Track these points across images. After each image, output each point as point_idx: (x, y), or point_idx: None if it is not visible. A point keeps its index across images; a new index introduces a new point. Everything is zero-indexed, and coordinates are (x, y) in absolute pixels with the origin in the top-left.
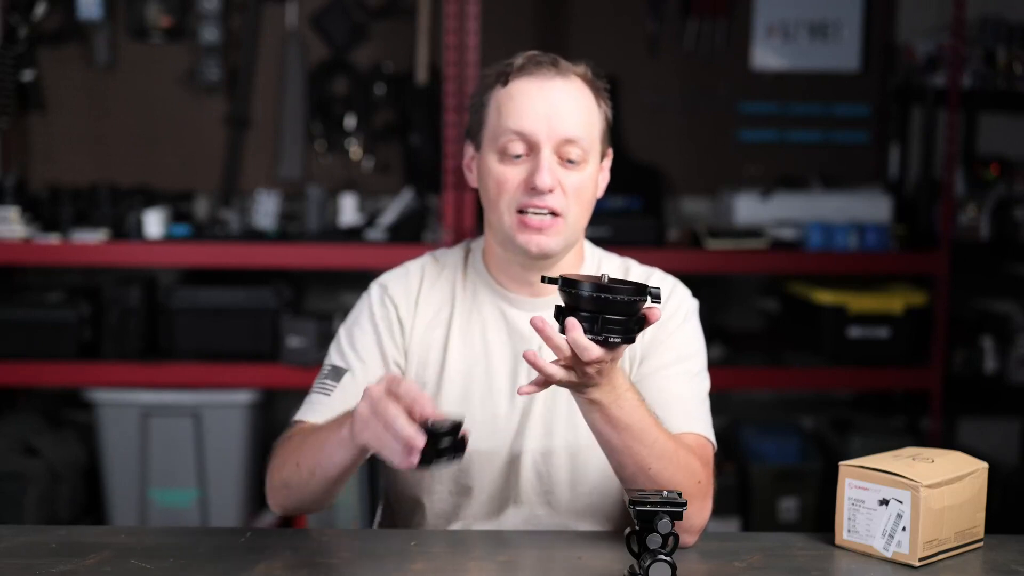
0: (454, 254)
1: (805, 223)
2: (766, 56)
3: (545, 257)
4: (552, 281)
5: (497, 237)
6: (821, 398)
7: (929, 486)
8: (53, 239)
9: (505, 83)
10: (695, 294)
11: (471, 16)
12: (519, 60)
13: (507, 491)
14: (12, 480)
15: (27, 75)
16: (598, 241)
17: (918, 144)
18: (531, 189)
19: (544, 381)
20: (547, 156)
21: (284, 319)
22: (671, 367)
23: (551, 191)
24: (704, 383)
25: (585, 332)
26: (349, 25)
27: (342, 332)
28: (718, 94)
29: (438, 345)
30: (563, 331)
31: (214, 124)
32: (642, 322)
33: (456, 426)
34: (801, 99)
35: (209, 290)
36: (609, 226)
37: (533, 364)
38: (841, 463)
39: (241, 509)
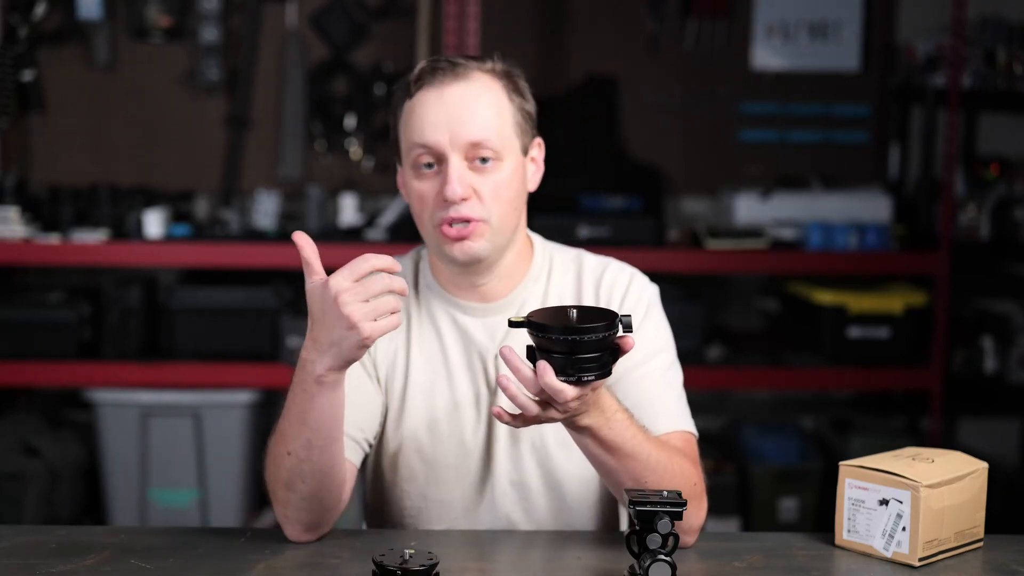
0: (405, 263)
1: (805, 223)
2: (766, 56)
3: (476, 261)
4: (520, 325)
5: (432, 250)
6: (821, 398)
7: (929, 486)
8: (53, 239)
9: (410, 96)
10: (695, 294)
11: (471, 16)
12: (416, 71)
13: (483, 503)
14: (12, 480)
15: (27, 75)
16: (599, 241)
17: (918, 144)
18: (445, 201)
19: (524, 417)
20: (455, 165)
21: (284, 319)
22: (643, 365)
23: (465, 200)
24: (678, 374)
25: (557, 374)
26: (349, 25)
27: None
28: (718, 94)
29: (402, 356)
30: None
31: (214, 124)
32: (616, 353)
33: (431, 567)
34: (801, 99)
35: (209, 290)
36: (609, 226)
37: (505, 390)
38: (841, 463)
39: (241, 509)
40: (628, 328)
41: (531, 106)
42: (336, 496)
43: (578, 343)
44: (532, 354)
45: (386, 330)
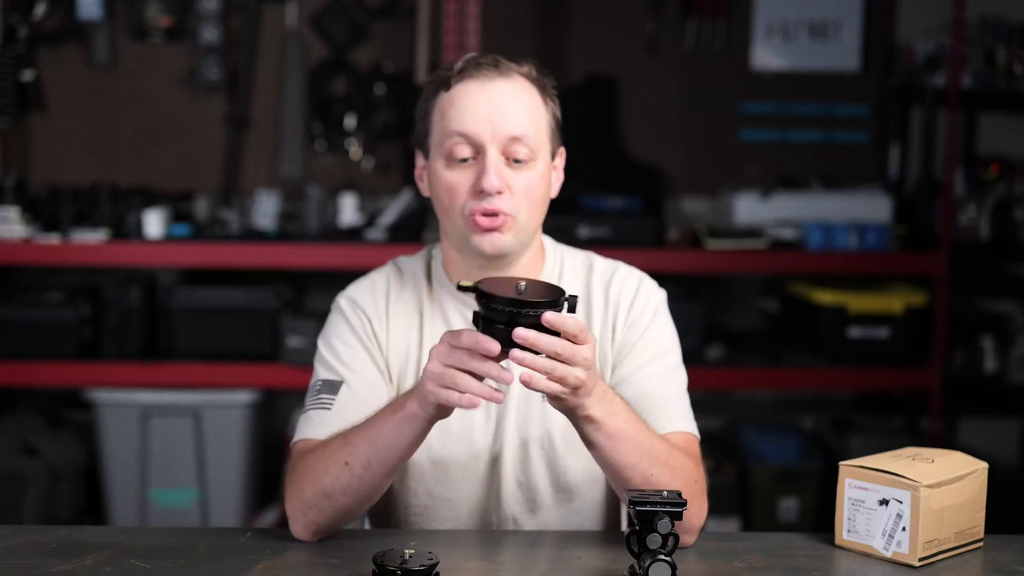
0: (416, 262)
1: (805, 223)
2: (766, 56)
3: (501, 256)
4: (468, 289)
5: (453, 242)
6: (821, 398)
7: (929, 486)
8: (53, 239)
9: (448, 88)
10: (695, 294)
11: (471, 16)
12: (459, 64)
13: (490, 503)
14: (12, 480)
15: (27, 75)
16: (599, 242)
17: (918, 144)
18: (479, 192)
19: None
20: (493, 157)
21: (284, 319)
22: (648, 366)
23: (499, 193)
24: (682, 376)
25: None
26: (349, 25)
27: (323, 348)
28: (718, 94)
29: (413, 353)
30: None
31: (214, 124)
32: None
33: (431, 567)
34: (801, 99)
35: (209, 290)
36: (609, 226)
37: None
38: (841, 463)
39: (241, 509)
40: (572, 308)
41: (559, 115)
42: (362, 507)
43: (516, 316)
44: (477, 321)
45: (447, 401)
